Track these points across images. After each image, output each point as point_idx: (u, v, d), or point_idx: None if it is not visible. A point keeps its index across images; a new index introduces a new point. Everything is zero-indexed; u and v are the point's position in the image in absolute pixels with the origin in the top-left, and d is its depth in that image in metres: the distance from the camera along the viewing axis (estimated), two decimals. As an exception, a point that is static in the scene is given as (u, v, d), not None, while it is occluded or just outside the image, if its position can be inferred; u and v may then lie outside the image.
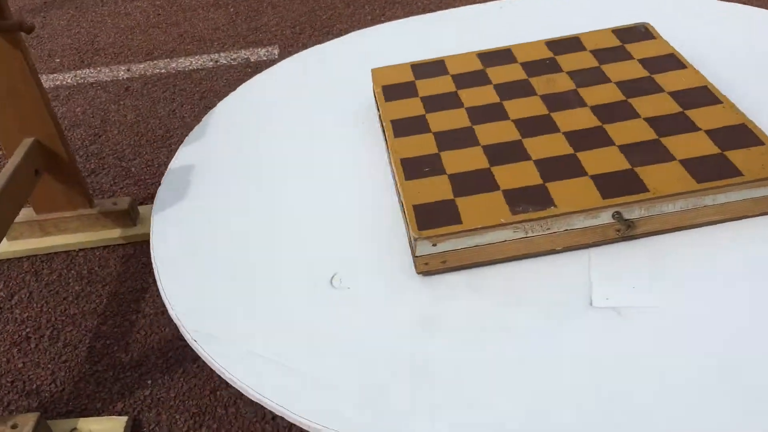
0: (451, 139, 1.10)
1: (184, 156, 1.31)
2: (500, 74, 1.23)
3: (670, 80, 1.15)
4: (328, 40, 3.13)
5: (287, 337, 0.92)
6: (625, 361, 0.82)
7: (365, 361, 0.87)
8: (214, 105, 2.77)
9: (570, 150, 1.03)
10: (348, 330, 0.92)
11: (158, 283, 1.03)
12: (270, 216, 1.12)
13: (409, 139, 1.11)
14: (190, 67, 3.11)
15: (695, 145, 1.01)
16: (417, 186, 1.01)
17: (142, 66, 3.17)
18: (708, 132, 1.02)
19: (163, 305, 1.83)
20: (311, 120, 1.34)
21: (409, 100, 1.20)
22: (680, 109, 1.08)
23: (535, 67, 1.24)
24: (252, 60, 3.09)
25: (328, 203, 1.13)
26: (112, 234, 2.09)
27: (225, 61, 3.12)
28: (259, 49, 3.17)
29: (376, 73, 1.30)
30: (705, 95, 1.10)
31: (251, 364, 0.89)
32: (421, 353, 0.87)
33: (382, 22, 3.24)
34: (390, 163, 1.14)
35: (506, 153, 1.05)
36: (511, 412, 0.78)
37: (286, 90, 1.46)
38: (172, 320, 1.79)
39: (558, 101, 1.14)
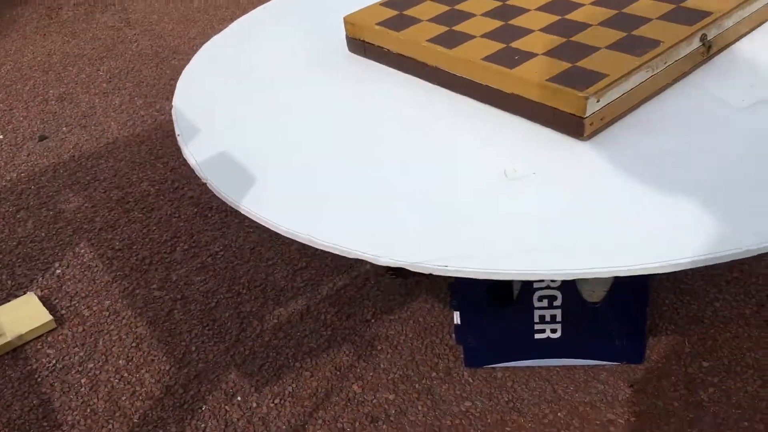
0: (503, 35, 1.11)
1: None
2: (474, -12, 1.28)
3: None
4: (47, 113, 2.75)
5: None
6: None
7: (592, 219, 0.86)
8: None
9: (613, 11, 1.13)
10: (566, 200, 0.89)
11: (312, 241, 0.87)
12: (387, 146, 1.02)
13: (463, 47, 1.10)
14: None
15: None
16: (527, 69, 1.02)
17: None
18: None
19: (91, 407, 1.45)
20: (310, 73, 1.23)
21: (419, 25, 1.18)
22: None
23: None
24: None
25: (438, 122, 1.06)
26: (-49, 364, 1.59)
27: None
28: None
29: (352, 17, 1.24)
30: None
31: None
32: (656, 193, 0.89)
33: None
34: (442, 76, 1.11)
35: (565, 28, 1.11)
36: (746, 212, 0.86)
37: (253, 53, 1.31)
38: (115, 413, 1.43)
39: (551, -10, 1.23)
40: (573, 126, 0.97)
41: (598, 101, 0.95)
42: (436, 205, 0.91)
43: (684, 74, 1.07)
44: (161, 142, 2.34)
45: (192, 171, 2.16)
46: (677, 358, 1.40)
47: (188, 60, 2.83)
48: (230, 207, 2.00)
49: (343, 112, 1.12)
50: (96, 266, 1.86)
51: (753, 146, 0.92)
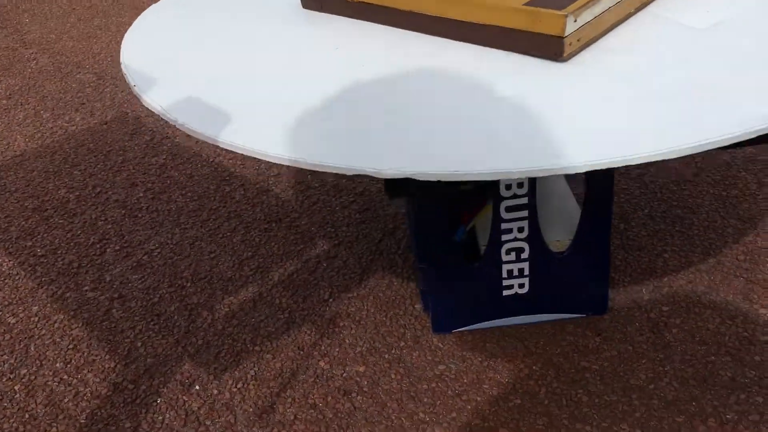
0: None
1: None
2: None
3: None
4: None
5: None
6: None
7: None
8: None
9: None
10: (553, 123, 0.89)
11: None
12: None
13: (429, -13, 1.10)
14: None
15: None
16: (499, 1, 1.02)
17: None
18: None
19: (29, 412, 1.31)
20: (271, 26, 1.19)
21: (378, -27, 1.17)
22: None
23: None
24: None
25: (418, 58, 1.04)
26: None
27: None
28: None
29: (307, -28, 1.22)
30: None
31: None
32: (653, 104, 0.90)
33: None
34: (411, 19, 1.10)
35: (526, -33, 1.12)
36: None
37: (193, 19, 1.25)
38: (58, 416, 1.29)
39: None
40: (552, 48, 0.98)
41: (575, 21, 0.97)
42: (429, 124, 0.89)
43: (644, 4, 1.11)
44: (75, 150, 2.21)
45: (116, 175, 2.04)
46: (638, 306, 1.42)
47: (95, 74, 2.71)
48: (162, 206, 1.90)
49: (308, 57, 1.09)
50: (17, 274, 1.72)
51: (717, 59, 0.96)
